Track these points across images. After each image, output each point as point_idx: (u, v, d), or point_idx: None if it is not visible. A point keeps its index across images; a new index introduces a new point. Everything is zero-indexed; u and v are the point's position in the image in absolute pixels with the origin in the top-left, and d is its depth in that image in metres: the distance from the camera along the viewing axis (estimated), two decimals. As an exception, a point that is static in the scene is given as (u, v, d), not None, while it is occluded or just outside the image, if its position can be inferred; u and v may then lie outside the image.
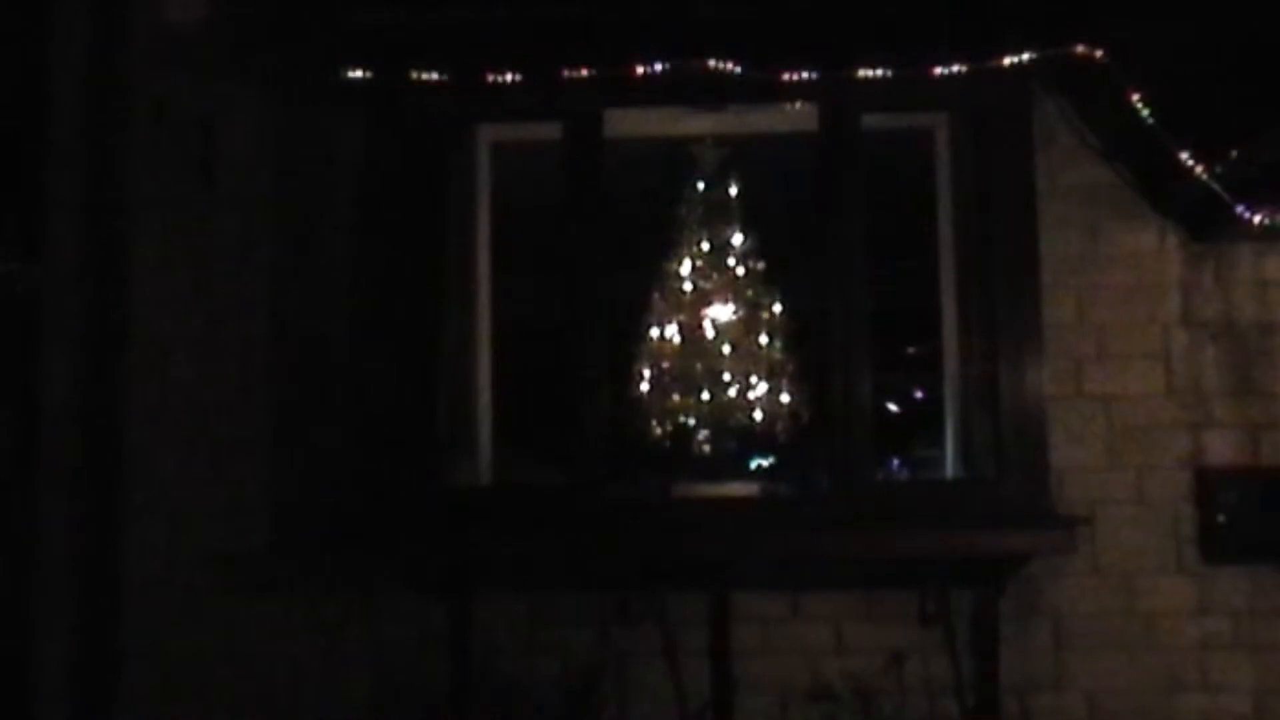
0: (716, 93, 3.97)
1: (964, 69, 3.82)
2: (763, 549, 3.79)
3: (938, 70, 3.82)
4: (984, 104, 3.92)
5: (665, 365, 4.94)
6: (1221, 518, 3.88)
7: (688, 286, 5.00)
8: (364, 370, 3.94)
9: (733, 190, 5.00)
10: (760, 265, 5.00)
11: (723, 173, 4.98)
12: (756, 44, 3.85)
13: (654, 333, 5.00)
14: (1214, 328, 3.97)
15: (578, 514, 3.82)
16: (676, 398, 4.88)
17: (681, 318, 4.96)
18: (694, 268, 5.02)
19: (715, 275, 4.98)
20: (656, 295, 5.05)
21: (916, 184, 4.30)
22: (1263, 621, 3.88)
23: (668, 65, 3.82)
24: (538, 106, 3.96)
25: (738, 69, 3.83)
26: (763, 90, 3.91)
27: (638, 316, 5.03)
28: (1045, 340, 3.88)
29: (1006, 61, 3.81)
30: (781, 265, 4.96)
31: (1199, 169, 3.71)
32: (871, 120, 3.96)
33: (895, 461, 5.66)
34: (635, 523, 3.85)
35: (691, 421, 4.84)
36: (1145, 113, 3.76)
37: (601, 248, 3.93)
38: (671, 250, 5.08)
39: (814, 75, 3.85)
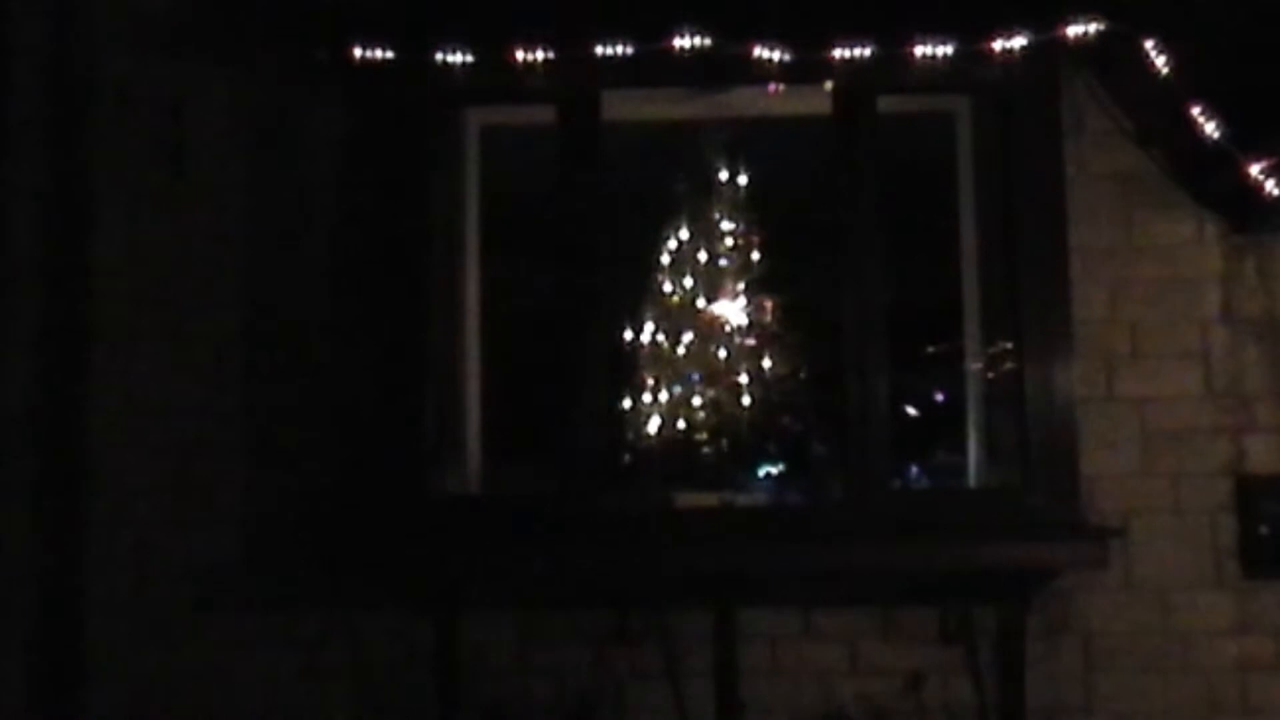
0: (722, 74, 3.86)
1: (987, 48, 3.71)
2: (771, 562, 3.71)
3: (959, 49, 3.70)
4: (1009, 85, 3.82)
5: (667, 365, 4.84)
6: (1264, 529, 3.78)
7: (691, 281, 4.93)
8: (344, 371, 3.86)
9: (740, 178, 4.93)
10: (769, 259, 4.92)
11: (728, 160, 4.92)
12: (765, 22, 3.73)
13: (655, 331, 4.91)
14: (1256, 325, 3.88)
15: (573, 525, 3.72)
16: (679, 400, 4.79)
17: (684, 315, 4.87)
18: (698, 261, 4.95)
19: (720, 269, 4.92)
20: (657, 290, 4.96)
21: (936, 171, 4.22)
22: (1307, 640, 3.82)
23: (669, 45, 3.70)
24: (531, 88, 3.85)
25: (744, 49, 3.71)
26: (771, 71, 3.78)
27: (637, 313, 4.94)
28: (1075, 338, 3.80)
29: (1033, 40, 3.70)
30: (792, 259, 4.90)
31: (1240, 155, 3.60)
32: (888, 103, 3.87)
33: (914, 468, 5.60)
34: (634, 534, 3.74)
35: (694, 426, 4.74)
36: (1182, 95, 3.65)
37: (598, 240, 3.86)
38: (673, 242, 4.97)
39: (826, 55, 3.73)
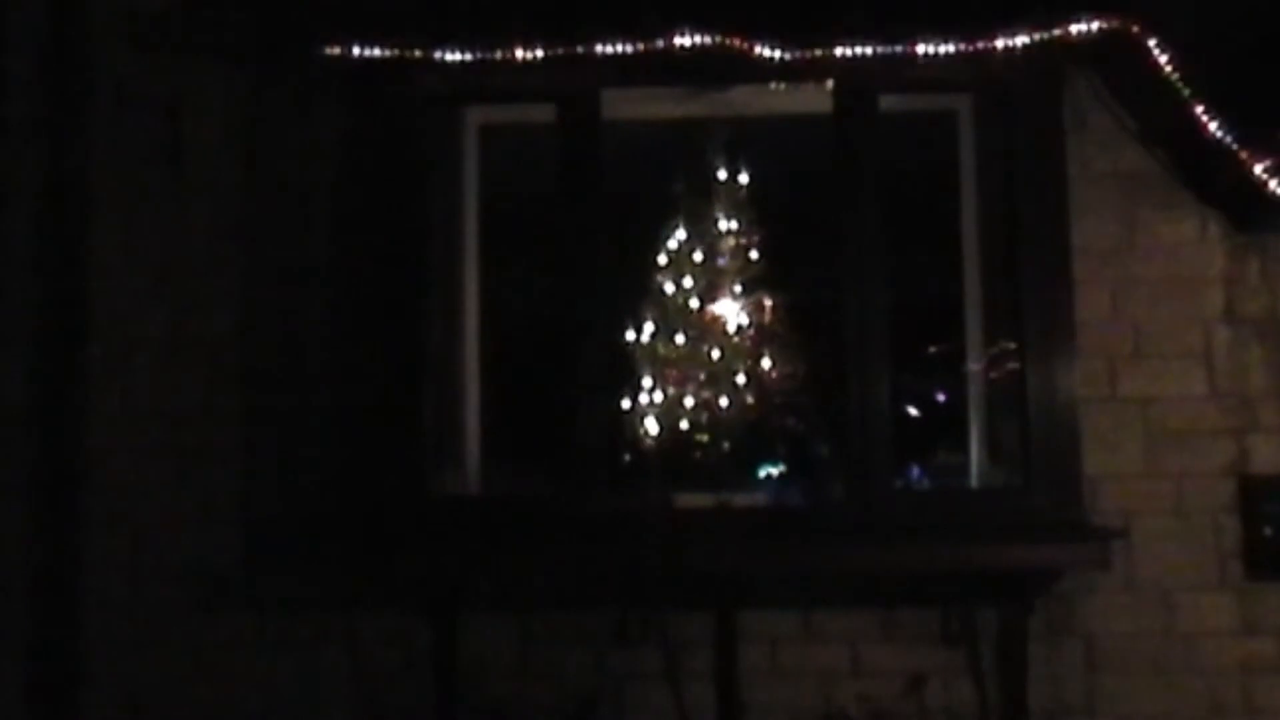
0: (722, 72, 3.84)
1: (990, 46, 3.68)
2: (772, 563, 3.69)
3: (961, 47, 3.68)
4: (1011, 84, 3.80)
5: (667, 366, 4.82)
6: (1267, 530, 3.77)
7: (690, 281, 4.90)
8: (342, 372, 3.84)
9: (741, 178, 4.90)
10: (770, 258, 4.90)
11: (729, 159, 4.89)
12: (766, 19, 3.72)
13: (655, 331, 4.88)
14: (1259, 325, 3.85)
15: (572, 526, 3.69)
16: (679, 401, 4.77)
17: (685, 315, 4.85)
18: (698, 261, 4.93)
19: (721, 269, 4.90)
20: (657, 290, 4.94)
21: (938, 171, 4.20)
22: (1311, 642, 3.79)
23: (670, 43, 3.68)
24: (530, 87, 3.84)
25: (745, 47, 3.69)
26: (772, 69, 3.77)
27: (637, 313, 4.91)
28: (1077, 338, 3.77)
29: (1036, 37, 3.68)
30: (793, 258, 4.87)
31: (1243, 154, 3.59)
32: (890, 101, 3.86)
33: (915, 469, 5.56)
34: (634, 535, 3.70)
35: (694, 426, 4.71)
36: (1185, 93, 3.64)
37: (598, 240, 3.83)
38: (673, 242, 4.95)
39: (828, 53, 3.71)
